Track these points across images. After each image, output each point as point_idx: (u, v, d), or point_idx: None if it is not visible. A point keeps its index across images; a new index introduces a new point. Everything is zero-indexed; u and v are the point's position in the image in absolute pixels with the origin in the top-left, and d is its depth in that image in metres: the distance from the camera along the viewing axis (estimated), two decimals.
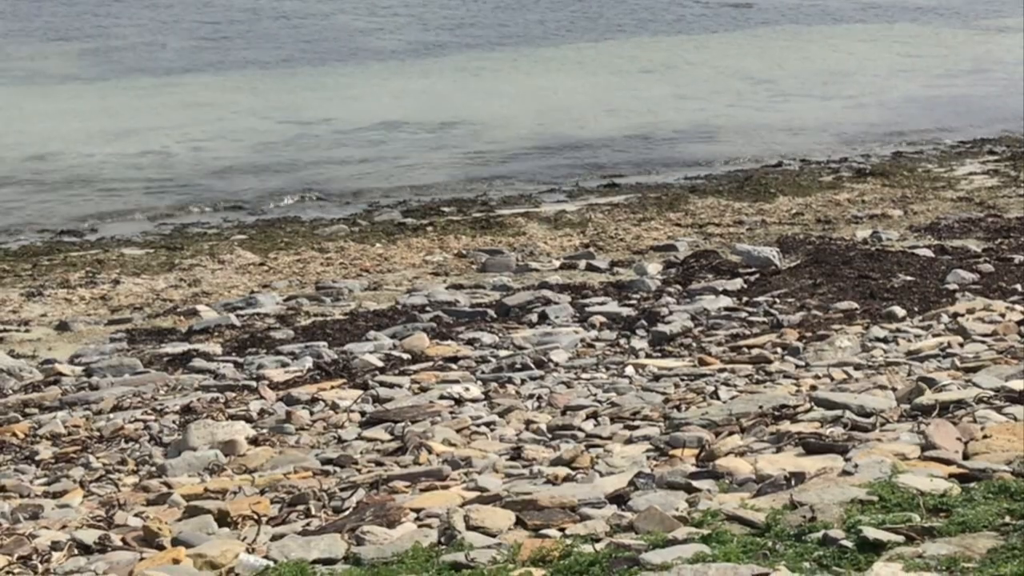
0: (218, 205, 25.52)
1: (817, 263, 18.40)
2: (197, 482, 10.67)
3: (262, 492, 10.06)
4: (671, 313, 16.12)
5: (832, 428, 9.96)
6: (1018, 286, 16.45)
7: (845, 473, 8.11)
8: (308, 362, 14.73)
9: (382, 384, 13.42)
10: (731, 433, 10.36)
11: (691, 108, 35.94)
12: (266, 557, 7.65)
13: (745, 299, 16.86)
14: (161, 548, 8.46)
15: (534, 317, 16.46)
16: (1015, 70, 40.18)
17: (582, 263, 19.58)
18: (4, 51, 49.53)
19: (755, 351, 13.91)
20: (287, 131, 33.30)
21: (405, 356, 14.77)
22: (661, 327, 15.37)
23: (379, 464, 10.79)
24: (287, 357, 15.09)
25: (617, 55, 47.66)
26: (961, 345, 13.18)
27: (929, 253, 18.84)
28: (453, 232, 22.23)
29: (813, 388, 11.83)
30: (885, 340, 14.02)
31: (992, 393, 10.36)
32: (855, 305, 15.96)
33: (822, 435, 9.68)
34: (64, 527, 9.29)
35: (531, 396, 12.84)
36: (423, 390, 13.24)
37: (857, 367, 12.65)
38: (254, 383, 14.00)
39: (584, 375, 13.54)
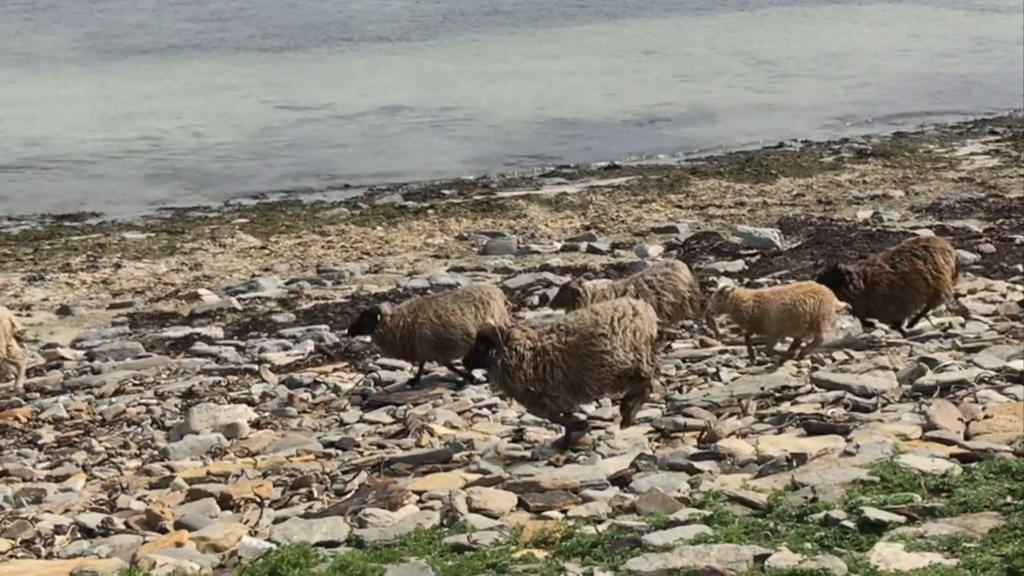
0: (218, 189, 25.53)
1: (818, 244, 18.40)
2: (199, 465, 10.69)
3: (264, 475, 10.08)
4: None
5: (833, 409, 9.97)
6: (1019, 266, 16.44)
7: (846, 454, 8.12)
8: (310, 345, 14.74)
9: (384, 367, 13.43)
10: (732, 414, 10.37)
11: (692, 89, 35.90)
12: (269, 540, 7.66)
13: (746, 280, 16.85)
14: (164, 531, 8.49)
15: (535, 299, 16.46)
16: (1016, 49, 40.11)
17: (583, 245, 19.58)
18: (1, 34, 49.44)
19: None
20: (287, 115, 33.28)
21: None
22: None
23: (381, 447, 10.80)
24: (289, 340, 15.10)
25: (618, 36, 47.60)
26: (962, 325, 13.18)
27: (930, 233, 18.82)
28: (454, 215, 22.22)
29: (814, 369, 11.83)
30: None
31: (993, 373, 10.36)
32: None
33: (823, 416, 9.69)
34: (67, 511, 9.32)
35: None
36: (424, 373, 13.24)
37: (858, 347, 12.64)
38: (256, 366, 14.01)
39: None
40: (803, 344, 12.17)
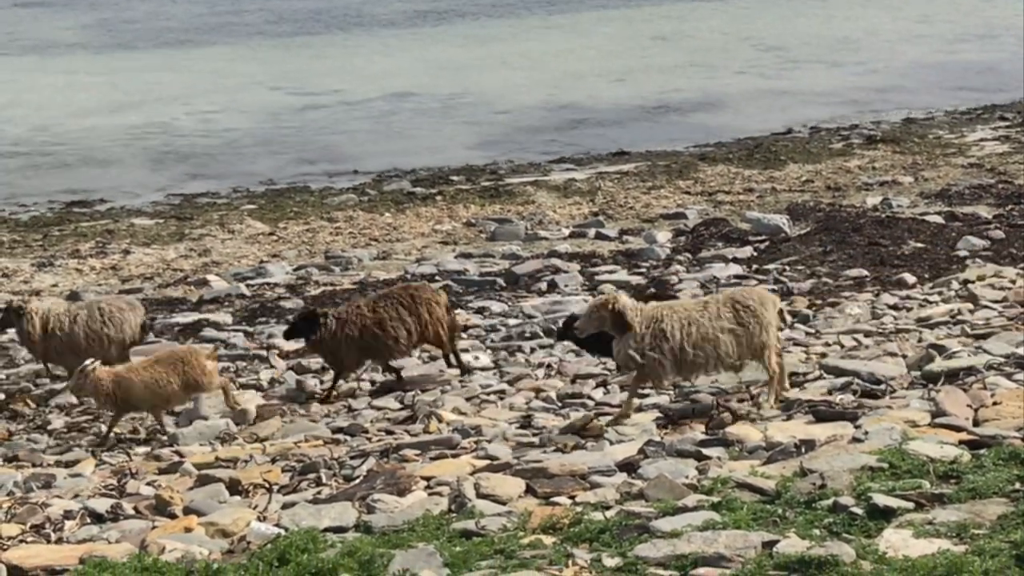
0: (227, 175, 25.54)
1: (827, 230, 18.36)
2: (208, 451, 10.72)
3: (273, 461, 10.10)
4: (680, 281, 16.13)
5: (842, 395, 9.97)
6: None
7: (855, 440, 8.12)
8: None
9: None
10: (741, 400, 10.38)
11: (701, 75, 35.82)
12: (277, 525, 7.68)
13: (755, 267, 16.85)
14: (173, 516, 8.51)
15: (543, 286, 16.47)
16: None
17: (591, 231, 19.56)
18: (10, 22, 49.49)
19: None
20: (295, 101, 33.27)
21: None
22: (671, 295, 15.37)
23: (389, 433, 10.82)
24: None
25: (629, 22, 47.52)
26: (971, 312, 13.16)
27: (939, 220, 18.80)
28: (462, 201, 22.21)
29: (823, 355, 11.82)
30: (895, 307, 14.02)
31: (1002, 360, 10.35)
32: (865, 272, 15.95)
33: (832, 402, 9.69)
34: (76, 496, 9.34)
35: (540, 364, 12.86)
36: (433, 359, 13.26)
37: (867, 334, 12.64)
38: (264, 352, 14.03)
39: None
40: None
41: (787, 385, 10.24)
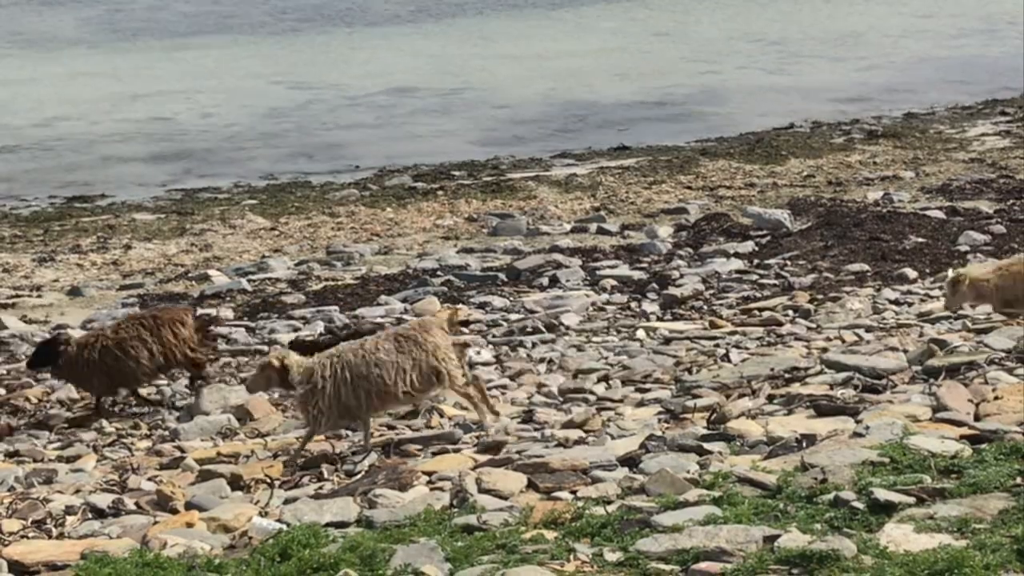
0: (228, 170, 25.54)
1: (828, 225, 18.35)
2: (210, 446, 10.72)
3: (275, 456, 10.11)
4: (682, 276, 16.13)
5: (843, 390, 9.97)
6: None
7: (856, 435, 8.12)
8: (320, 326, 14.76)
9: None
10: (742, 395, 10.38)
11: (702, 70, 35.80)
12: (279, 520, 7.69)
13: (756, 262, 16.85)
14: (175, 512, 8.51)
15: (545, 281, 16.47)
16: None
17: (593, 226, 19.56)
18: (13, 17, 49.48)
19: (766, 313, 13.91)
20: (296, 96, 33.26)
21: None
22: (672, 290, 15.38)
23: (391, 428, 10.82)
24: (299, 321, 15.12)
25: (628, 18, 47.49)
26: (972, 307, 13.15)
27: (941, 215, 18.79)
28: (464, 196, 22.20)
29: (824, 350, 11.82)
30: (896, 302, 14.01)
31: (1003, 354, 10.36)
32: (866, 267, 15.95)
33: (833, 397, 9.69)
34: (78, 491, 9.34)
35: (542, 359, 12.86)
36: None
37: (868, 329, 12.64)
38: (266, 347, 14.02)
39: (595, 338, 13.55)
40: None
41: (489, 404, 10.30)
